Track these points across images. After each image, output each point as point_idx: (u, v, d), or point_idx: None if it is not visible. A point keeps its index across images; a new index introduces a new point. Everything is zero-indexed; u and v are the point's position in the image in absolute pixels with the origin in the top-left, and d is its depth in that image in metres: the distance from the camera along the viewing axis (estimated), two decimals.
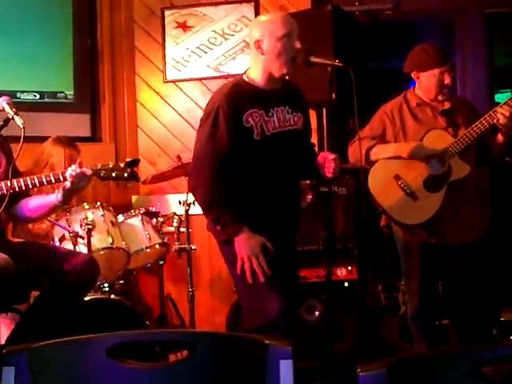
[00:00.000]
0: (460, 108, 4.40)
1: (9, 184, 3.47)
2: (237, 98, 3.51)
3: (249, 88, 3.58)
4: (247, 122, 3.49)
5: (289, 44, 3.51)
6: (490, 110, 4.18)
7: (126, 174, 3.64)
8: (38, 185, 3.60)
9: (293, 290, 3.90)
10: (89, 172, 3.55)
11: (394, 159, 4.29)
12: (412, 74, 4.36)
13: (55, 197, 3.64)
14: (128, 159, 3.71)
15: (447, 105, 4.35)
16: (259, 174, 3.59)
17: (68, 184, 3.54)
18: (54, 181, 3.59)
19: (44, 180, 3.58)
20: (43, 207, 3.73)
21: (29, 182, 3.57)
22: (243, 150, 3.52)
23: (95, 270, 3.72)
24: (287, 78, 3.75)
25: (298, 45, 3.51)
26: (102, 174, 3.63)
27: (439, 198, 4.21)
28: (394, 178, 4.28)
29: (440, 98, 4.32)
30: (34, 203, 3.75)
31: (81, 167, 3.53)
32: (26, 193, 3.71)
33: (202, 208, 3.59)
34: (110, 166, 3.65)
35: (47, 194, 3.82)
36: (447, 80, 4.28)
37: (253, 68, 3.63)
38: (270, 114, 3.57)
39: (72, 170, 3.51)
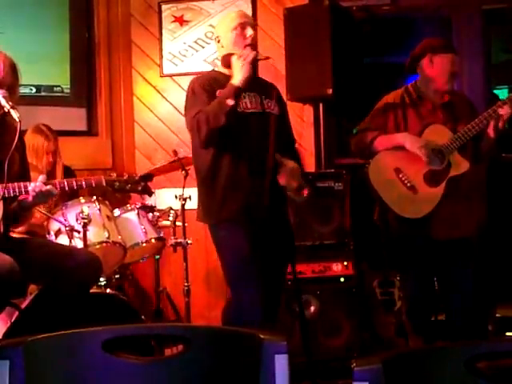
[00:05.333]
0: (459, 103, 4.41)
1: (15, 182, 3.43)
2: (209, 80, 3.87)
3: (219, 75, 3.91)
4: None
5: (242, 33, 3.81)
6: (489, 107, 4.20)
7: (139, 188, 3.65)
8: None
9: (281, 282, 3.98)
10: (55, 191, 3.53)
11: (395, 151, 4.28)
12: (425, 58, 4.33)
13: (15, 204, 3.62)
14: (143, 173, 3.72)
15: (446, 98, 4.36)
16: (235, 151, 3.77)
17: (30, 198, 3.50)
18: (17, 193, 3.51)
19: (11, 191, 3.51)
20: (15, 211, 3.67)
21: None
22: None
23: (98, 267, 3.71)
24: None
25: (249, 31, 3.83)
26: (116, 186, 3.63)
27: (438, 193, 4.21)
28: (395, 171, 4.28)
29: (447, 87, 4.32)
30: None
31: (45, 184, 3.49)
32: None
33: (202, 135, 3.67)
34: (125, 178, 3.64)
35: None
36: (457, 68, 4.34)
37: (220, 64, 3.97)
38: (243, 96, 3.78)
39: (35, 187, 3.47)
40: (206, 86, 3.81)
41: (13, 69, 3.60)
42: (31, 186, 3.48)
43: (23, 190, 3.48)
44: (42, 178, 3.53)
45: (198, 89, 3.81)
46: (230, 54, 3.78)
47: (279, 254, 3.92)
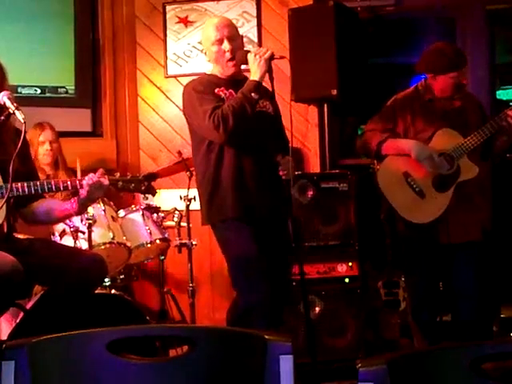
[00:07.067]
0: (470, 107, 4.39)
1: (13, 183, 3.41)
2: (205, 81, 3.93)
3: (213, 77, 3.95)
4: (219, 94, 3.83)
5: (220, 50, 3.85)
6: (495, 108, 4.19)
7: (143, 188, 3.64)
8: (54, 190, 3.54)
9: (285, 282, 4.02)
10: (106, 182, 3.50)
11: (404, 155, 4.28)
12: (428, 76, 4.33)
13: (70, 206, 3.58)
14: (146, 173, 3.70)
15: (458, 103, 4.34)
16: (237, 150, 3.82)
17: (84, 193, 3.49)
18: (70, 187, 3.54)
19: (61, 186, 3.52)
20: (56, 214, 3.68)
21: (45, 187, 3.49)
22: None
23: (103, 268, 3.70)
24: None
25: (226, 46, 3.84)
26: (119, 185, 3.61)
27: (447, 198, 4.20)
28: (404, 175, 4.28)
29: (455, 96, 4.32)
30: (48, 207, 3.70)
31: (99, 176, 3.49)
32: (40, 194, 3.67)
33: (230, 125, 3.70)
34: (128, 177, 3.62)
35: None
36: (464, 81, 4.29)
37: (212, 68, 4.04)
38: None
39: (89, 179, 3.46)
40: (206, 85, 3.87)
41: None
42: (85, 181, 3.47)
43: (26, 189, 3.48)
44: (91, 175, 3.53)
45: (199, 87, 3.85)
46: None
47: (283, 253, 3.94)
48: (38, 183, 3.52)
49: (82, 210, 3.63)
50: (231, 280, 3.97)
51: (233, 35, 3.88)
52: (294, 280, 4.21)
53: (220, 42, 3.84)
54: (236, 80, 3.90)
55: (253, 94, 3.72)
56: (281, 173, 3.81)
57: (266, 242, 3.83)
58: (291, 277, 4.19)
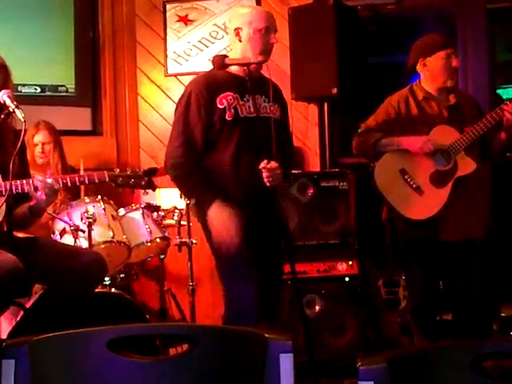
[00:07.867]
0: (465, 104, 4.38)
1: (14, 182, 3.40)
2: (210, 83, 3.75)
3: (224, 74, 3.79)
4: (221, 103, 3.70)
5: (265, 37, 3.73)
6: (496, 107, 4.18)
7: (143, 183, 3.62)
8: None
9: (277, 280, 3.98)
10: (56, 185, 3.46)
11: (401, 152, 4.27)
12: (418, 64, 4.33)
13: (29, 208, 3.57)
14: (146, 168, 3.69)
15: (453, 100, 4.34)
16: (232, 157, 3.72)
17: (43, 196, 3.44)
18: (19, 190, 3.43)
19: (13, 188, 3.44)
20: (26, 216, 3.63)
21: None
22: (216, 131, 3.72)
23: (103, 267, 3.70)
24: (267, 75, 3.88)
25: (273, 39, 3.74)
26: (119, 181, 3.59)
27: (445, 194, 4.20)
28: (400, 172, 4.27)
29: (449, 83, 4.29)
30: (23, 210, 3.65)
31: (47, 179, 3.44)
32: (28, 197, 3.61)
33: (176, 184, 3.82)
34: (128, 172, 3.60)
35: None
36: (454, 62, 4.27)
37: (231, 55, 3.84)
38: (245, 99, 3.74)
39: (41, 181, 3.42)
40: (207, 95, 3.71)
41: (2, 67, 3.61)
42: (38, 183, 3.42)
43: (25, 186, 3.46)
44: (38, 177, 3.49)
45: (193, 100, 3.72)
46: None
47: (272, 252, 3.88)
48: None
49: (36, 213, 3.60)
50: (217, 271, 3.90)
51: (275, 31, 3.81)
52: (290, 279, 4.19)
53: (268, 30, 3.73)
54: (248, 79, 3.70)
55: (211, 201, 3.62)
56: (265, 180, 3.63)
57: (256, 244, 3.77)
58: (284, 275, 4.16)
